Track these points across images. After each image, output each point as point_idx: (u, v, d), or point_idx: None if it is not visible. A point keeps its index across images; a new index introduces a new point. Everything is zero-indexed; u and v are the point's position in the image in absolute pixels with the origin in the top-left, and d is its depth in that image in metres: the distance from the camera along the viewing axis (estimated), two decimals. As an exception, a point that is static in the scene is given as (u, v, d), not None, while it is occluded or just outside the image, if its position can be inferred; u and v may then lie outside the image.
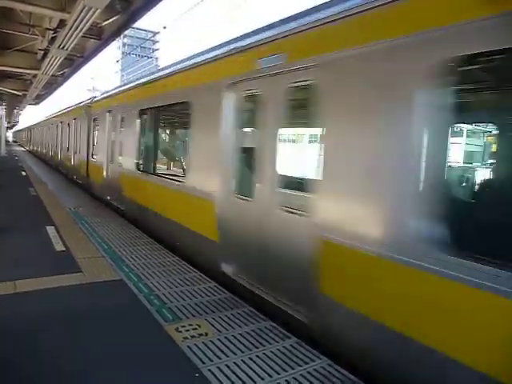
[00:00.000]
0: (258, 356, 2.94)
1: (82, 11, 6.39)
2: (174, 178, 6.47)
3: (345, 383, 2.66)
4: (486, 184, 5.50)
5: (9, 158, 23.83)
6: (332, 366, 2.86)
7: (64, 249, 5.41)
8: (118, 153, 8.76)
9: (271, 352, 3.01)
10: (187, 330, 3.28)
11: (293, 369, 2.80)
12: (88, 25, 7.16)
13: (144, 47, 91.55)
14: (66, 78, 16.59)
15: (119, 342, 3.07)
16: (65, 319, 3.36)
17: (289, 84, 3.68)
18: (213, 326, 3.40)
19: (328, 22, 3.24)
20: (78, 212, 8.13)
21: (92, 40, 10.60)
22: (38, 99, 24.68)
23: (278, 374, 2.73)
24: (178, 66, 6.21)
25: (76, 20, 6.87)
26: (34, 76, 13.93)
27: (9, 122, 45.34)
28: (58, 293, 3.92)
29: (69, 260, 4.95)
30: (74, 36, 7.87)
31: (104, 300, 3.86)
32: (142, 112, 7.41)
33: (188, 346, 3.01)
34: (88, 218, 7.59)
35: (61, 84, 18.54)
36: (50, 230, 6.42)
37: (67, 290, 4.00)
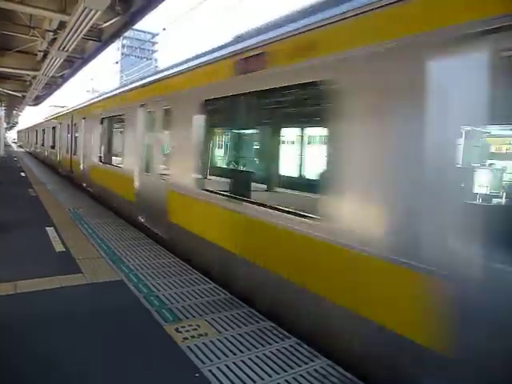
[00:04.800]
0: (257, 356, 2.96)
1: (82, 13, 6.41)
2: None
3: (343, 382, 2.68)
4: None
5: (8, 159, 23.81)
6: (331, 366, 2.88)
7: (64, 249, 5.42)
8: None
9: (271, 352, 3.03)
10: (187, 331, 3.29)
11: (292, 369, 2.82)
12: (88, 26, 7.18)
13: (143, 49, 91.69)
14: (65, 79, 16.62)
15: (119, 343, 3.08)
16: (65, 320, 3.38)
17: None
18: (212, 326, 3.41)
19: None
20: (78, 213, 8.14)
21: (92, 41, 10.63)
22: (38, 100, 24.70)
23: (278, 374, 2.75)
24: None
25: (76, 22, 6.89)
26: (34, 77, 13.94)
27: (8, 123, 45.31)
28: (59, 293, 3.93)
29: (69, 261, 4.96)
30: (74, 37, 7.89)
31: (104, 301, 3.87)
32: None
33: (188, 346, 3.03)
34: (88, 218, 7.60)
35: (60, 85, 18.56)
36: (50, 230, 6.43)
37: (67, 291, 4.01)
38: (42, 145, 25.66)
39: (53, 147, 19.98)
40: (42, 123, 26.78)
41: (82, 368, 2.70)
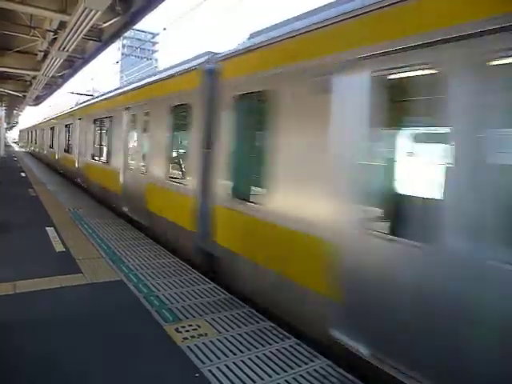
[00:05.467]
0: (257, 356, 2.96)
1: (82, 13, 6.41)
2: None
3: (343, 382, 2.68)
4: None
5: (8, 159, 23.82)
6: (331, 366, 2.88)
7: (64, 249, 5.42)
8: None
9: (271, 352, 3.03)
10: (187, 331, 3.29)
11: (292, 369, 2.82)
12: (88, 27, 7.18)
13: (143, 49, 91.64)
14: (65, 79, 16.62)
15: (119, 343, 3.08)
16: (65, 320, 3.38)
17: None
18: (212, 326, 3.41)
19: None
20: (78, 213, 8.15)
21: (92, 41, 10.64)
22: (38, 100, 24.71)
23: (278, 374, 2.75)
24: None
25: (76, 22, 6.89)
26: (34, 77, 13.95)
27: (8, 123, 45.30)
28: (58, 294, 3.93)
29: (69, 261, 4.96)
30: (74, 38, 7.89)
31: (104, 301, 3.87)
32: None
33: (188, 347, 3.03)
34: (88, 218, 7.61)
35: (61, 85, 18.56)
36: (50, 230, 6.43)
37: (67, 291, 4.01)
38: (67, 151, 15.73)
39: (95, 157, 11.40)
40: (62, 116, 17.81)
41: (81, 368, 2.70)
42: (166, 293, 4.10)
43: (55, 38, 9.04)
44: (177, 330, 3.30)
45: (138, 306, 3.76)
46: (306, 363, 2.90)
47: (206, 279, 4.60)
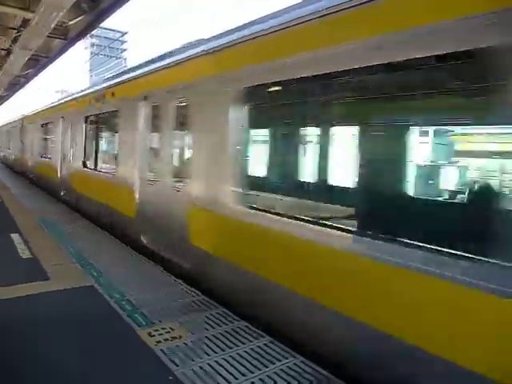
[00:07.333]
0: (231, 356, 2.97)
1: (46, 10, 6.21)
2: None
3: (317, 378, 2.73)
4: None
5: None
6: (304, 362, 2.92)
7: (31, 256, 5.22)
8: None
9: (245, 351, 3.04)
10: (160, 334, 3.26)
11: (266, 367, 2.84)
12: (53, 24, 6.97)
13: (112, 47, 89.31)
14: (29, 78, 16.03)
15: (91, 349, 3.00)
16: (32, 328, 3.26)
17: None
18: (186, 328, 3.39)
19: None
20: (46, 219, 7.86)
21: (57, 40, 10.31)
22: (0, 101, 23.66)
23: (252, 372, 2.77)
24: None
25: (40, 19, 6.67)
26: (-4, 77, 13.36)
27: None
28: (25, 302, 3.78)
29: (36, 268, 4.78)
30: (38, 36, 7.63)
31: (74, 307, 3.76)
32: None
33: (161, 350, 3.00)
34: (56, 224, 7.36)
35: (23, 85, 17.88)
36: (15, 237, 6.17)
37: (35, 299, 3.86)
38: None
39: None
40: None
41: (53, 375, 2.62)
42: (138, 296, 4.03)
43: (18, 36, 8.70)
44: (150, 333, 3.25)
45: (109, 311, 3.68)
46: (279, 360, 2.94)
47: (179, 281, 4.56)
